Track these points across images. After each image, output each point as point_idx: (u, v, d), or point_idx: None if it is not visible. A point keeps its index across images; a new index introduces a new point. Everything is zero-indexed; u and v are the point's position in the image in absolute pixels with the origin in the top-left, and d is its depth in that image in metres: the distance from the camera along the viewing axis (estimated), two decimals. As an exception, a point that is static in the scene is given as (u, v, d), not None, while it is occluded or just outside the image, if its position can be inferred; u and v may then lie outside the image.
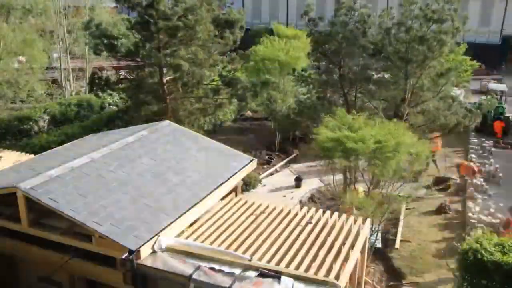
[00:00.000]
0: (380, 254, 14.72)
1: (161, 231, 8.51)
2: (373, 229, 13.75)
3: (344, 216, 10.35)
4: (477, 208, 17.29)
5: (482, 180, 18.84)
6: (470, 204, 17.72)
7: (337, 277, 7.86)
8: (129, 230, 8.23)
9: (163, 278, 8.15)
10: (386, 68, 18.60)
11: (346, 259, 8.70)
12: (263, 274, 7.76)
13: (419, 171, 14.24)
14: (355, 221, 10.12)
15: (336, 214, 10.41)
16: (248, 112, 28.59)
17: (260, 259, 8.40)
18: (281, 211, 10.60)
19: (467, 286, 10.10)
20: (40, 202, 8.36)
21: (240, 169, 11.36)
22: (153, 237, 8.31)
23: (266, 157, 22.62)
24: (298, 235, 9.49)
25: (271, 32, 26.44)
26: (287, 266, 8.26)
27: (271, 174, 21.21)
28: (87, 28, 17.76)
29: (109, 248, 8.14)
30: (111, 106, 25.40)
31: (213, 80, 19.06)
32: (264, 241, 9.16)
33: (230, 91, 18.83)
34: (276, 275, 7.68)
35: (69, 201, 8.47)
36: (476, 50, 28.79)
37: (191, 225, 9.88)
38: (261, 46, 23.34)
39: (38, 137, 20.33)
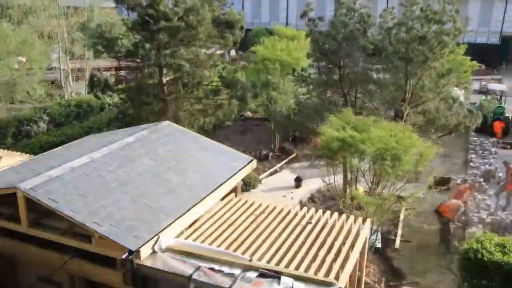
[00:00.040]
0: (380, 254, 14.72)
1: (161, 231, 8.51)
2: (373, 229, 13.76)
3: (344, 216, 10.35)
4: (477, 208, 17.29)
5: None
6: (470, 204, 17.71)
7: (337, 277, 7.86)
8: (129, 230, 8.23)
9: (163, 279, 8.14)
10: (386, 69, 18.61)
11: (346, 259, 8.70)
12: (263, 274, 7.76)
13: (420, 171, 14.24)
14: (355, 221, 10.11)
15: (336, 214, 10.41)
16: (248, 112, 28.60)
17: (260, 259, 8.40)
18: (281, 211, 10.60)
19: (467, 286, 10.10)
20: (40, 202, 8.36)
21: (240, 169, 11.36)
22: (153, 237, 8.30)
23: (264, 152, 22.75)
24: (298, 235, 9.49)
25: (271, 32, 26.48)
26: (287, 266, 8.26)
27: (271, 174, 21.24)
28: (86, 29, 17.78)
29: (109, 249, 8.14)
30: (111, 107, 25.42)
31: (213, 81, 19.07)
32: (264, 241, 9.16)
33: (230, 92, 18.84)
34: (276, 275, 7.68)
35: (69, 201, 8.46)
36: (476, 50, 28.79)
37: (191, 225, 9.88)
38: (261, 46, 23.36)
39: (38, 138, 20.34)
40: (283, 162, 22.51)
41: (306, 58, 22.49)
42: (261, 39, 24.48)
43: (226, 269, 7.89)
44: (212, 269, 7.94)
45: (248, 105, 23.73)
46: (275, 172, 21.55)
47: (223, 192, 10.64)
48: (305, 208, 10.72)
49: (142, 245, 8.03)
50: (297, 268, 8.23)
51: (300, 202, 17.97)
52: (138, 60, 17.66)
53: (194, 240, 9.13)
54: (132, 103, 18.38)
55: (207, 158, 11.37)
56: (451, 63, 19.34)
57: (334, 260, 8.56)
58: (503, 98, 28.78)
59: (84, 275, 8.84)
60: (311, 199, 18.66)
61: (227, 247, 8.84)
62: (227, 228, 9.71)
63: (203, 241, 9.06)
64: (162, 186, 9.78)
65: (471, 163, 21.75)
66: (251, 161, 11.91)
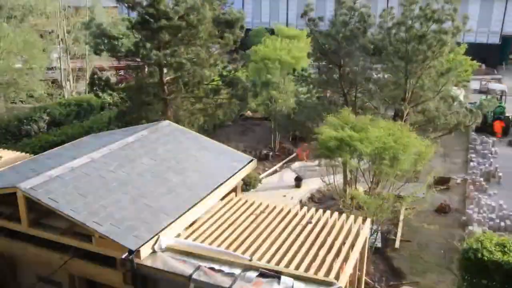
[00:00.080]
0: (380, 254, 14.73)
1: (161, 231, 8.51)
2: (373, 229, 13.76)
3: (344, 216, 10.35)
4: (477, 208, 17.30)
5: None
6: (470, 203, 17.73)
7: (337, 277, 7.86)
8: (129, 230, 8.24)
9: (163, 278, 8.14)
10: (386, 68, 18.60)
11: (346, 259, 8.70)
12: (263, 274, 7.76)
13: (419, 171, 14.26)
14: (355, 221, 10.11)
15: (336, 214, 10.41)
16: (248, 112, 28.61)
17: (260, 259, 8.40)
18: (281, 210, 10.60)
19: (467, 286, 10.10)
20: (40, 202, 8.36)
21: (240, 169, 11.36)
22: (153, 237, 8.31)
23: (265, 151, 22.78)
24: (298, 235, 9.49)
25: (271, 32, 26.47)
26: (287, 266, 8.26)
27: (271, 174, 21.24)
28: (88, 28, 17.77)
29: (109, 248, 8.14)
30: (111, 106, 25.41)
31: (213, 80, 19.07)
32: (264, 241, 9.16)
33: (231, 91, 18.84)
34: (276, 275, 7.68)
35: (69, 201, 8.47)
36: (476, 50, 28.78)
37: (191, 225, 9.88)
38: (262, 45, 23.36)
39: (38, 137, 20.34)
40: (283, 161, 22.51)
41: (306, 57, 22.48)
42: (261, 38, 24.48)
43: (226, 269, 7.89)
44: (212, 268, 7.94)
45: (248, 105, 23.79)
46: (275, 171, 21.55)
47: (223, 192, 10.64)
48: (305, 208, 10.72)
49: (142, 245, 8.04)
50: (297, 267, 8.24)
51: (300, 201, 17.98)
52: (139, 60, 17.65)
53: (194, 240, 9.13)
54: (132, 103, 18.37)
55: (207, 157, 11.37)
56: (450, 62, 19.34)
57: (334, 260, 8.56)
58: (503, 97, 28.80)
59: (84, 275, 8.85)
60: (311, 198, 18.68)
61: (227, 247, 8.84)
62: (227, 228, 9.71)
63: (203, 241, 9.06)
64: (162, 186, 9.78)
65: (471, 163, 21.75)
66: (251, 160, 11.91)
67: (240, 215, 10.34)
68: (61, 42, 28.43)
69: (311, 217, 10.24)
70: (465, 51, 24.05)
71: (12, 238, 9.39)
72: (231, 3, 18.41)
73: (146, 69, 18.44)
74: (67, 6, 29.23)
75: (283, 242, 9.18)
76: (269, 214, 10.38)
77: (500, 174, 20.13)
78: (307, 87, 24.70)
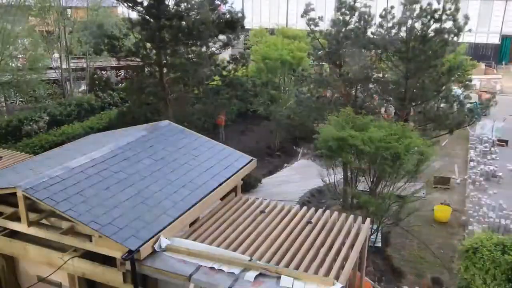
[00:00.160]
0: (380, 254, 14.72)
1: (161, 231, 8.51)
2: (373, 228, 13.76)
3: (344, 215, 10.34)
4: (477, 207, 17.30)
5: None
6: (469, 203, 17.74)
7: (337, 277, 7.86)
8: (129, 230, 8.24)
9: (163, 278, 8.15)
10: (386, 68, 18.60)
11: (346, 258, 8.70)
12: (263, 273, 7.77)
13: (421, 170, 14.24)
14: (355, 221, 10.10)
15: (336, 213, 10.40)
16: (248, 112, 28.63)
17: (260, 258, 8.39)
18: (281, 210, 10.59)
19: (467, 285, 10.10)
20: (40, 202, 8.36)
21: (240, 169, 11.37)
22: (153, 237, 8.31)
23: (265, 151, 22.87)
24: (298, 235, 9.48)
25: (271, 32, 26.48)
26: (287, 265, 8.26)
27: (271, 173, 21.25)
28: (88, 28, 17.77)
29: (109, 248, 8.14)
30: (111, 107, 25.42)
31: (213, 80, 19.08)
32: (264, 241, 9.16)
33: (231, 91, 18.84)
34: (276, 275, 7.68)
35: (69, 201, 8.47)
36: (476, 50, 28.80)
37: (191, 225, 9.88)
38: (262, 45, 23.38)
39: (38, 137, 20.34)
40: (283, 161, 22.54)
41: (307, 57, 22.50)
42: (262, 38, 24.50)
43: (226, 269, 7.90)
44: (212, 268, 7.95)
45: (248, 104, 23.81)
46: (276, 171, 21.56)
47: (223, 192, 10.64)
48: (305, 208, 10.72)
49: (142, 245, 8.03)
50: (297, 267, 8.23)
51: (300, 201, 17.97)
52: (139, 60, 17.66)
53: (194, 239, 9.13)
54: (133, 103, 18.38)
55: (207, 157, 11.36)
56: (451, 62, 19.34)
57: (334, 259, 8.55)
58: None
59: (84, 275, 8.84)
60: (311, 198, 18.66)
61: (227, 247, 8.84)
62: (227, 228, 9.71)
63: (203, 241, 9.05)
64: (162, 185, 9.78)
65: (471, 163, 21.75)
66: (251, 160, 11.91)
67: (240, 215, 10.33)
68: (61, 42, 28.41)
69: (311, 217, 10.23)
70: (465, 51, 24.08)
71: (12, 238, 9.39)
72: (232, 3, 18.39)
73: (147, 69, 18.43)
74: (68, 5, 29.26)
75: (283, 241, 9.17)
76: (268, 214, 10.38)
77: (500, 174, 20.14)
78: (308, 86, 24.71)
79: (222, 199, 10.95)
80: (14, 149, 17.43)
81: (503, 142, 24.19)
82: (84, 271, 8.75)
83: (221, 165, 11.24)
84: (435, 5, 16.37)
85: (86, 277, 8.94)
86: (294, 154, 23.98)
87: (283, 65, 22.63)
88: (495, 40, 46.09)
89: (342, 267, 8.33)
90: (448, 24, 16.48)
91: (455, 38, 16.57)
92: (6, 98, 26.43)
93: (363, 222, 10.12)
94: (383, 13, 17.44)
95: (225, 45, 18.18)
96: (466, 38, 30.39)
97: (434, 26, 16.43)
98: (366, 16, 17.71)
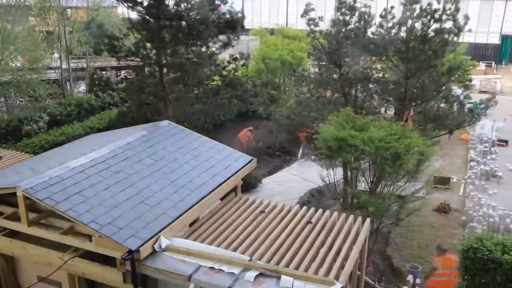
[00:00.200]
0: (380, 254, 14.72)
1: (161, 231, 8.52)
2: (373, 228, 13.75)
3: (344, 215, 10.35)
4: (477, 207, 17.29)
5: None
6: (469, 203, 17.73)
7: (337, 277, 7.86)
8: (129, 230, 8.24)
9: (163, 278, 8.15)
10: (386, 68, 18.59)
11: (346, 258, 8.70)
12: (263, 273, 7.77)
13: (422, 170, 14.22)
14: (355, 221, 10.11)
15: (336, 213, 10.40)
16: (248, 112, 28.61)
17: (260, 258, 8.40)
18: (281, 210, 10.60)
19: (467, 286, 10.09)
20: (40, 202, 8.37)
21: (240, 169, 11.37)
22: (153, 237, 8.32)
23: (265, 151, 22.91)
24: (298, 235, 9.49)
25: (271, 32, 26.49)
26: (287, 265, 8.26)
27: (271, 173, 21.24)
28: (88, 28, 17.77)
29: (109, 248, 8.14)
30: (111, 107, 25.42)
31: (213, 80, 19.08)
32: (264, 241, 9.16)
33: (231, 91, 18.83)
34: (276, 275, 7.69)
35: (69, 201, 8.48)
36: (476, 50, 28.81)
37: (191, 225, 9.89)
38: (263, 45, 23.38)
39: (38, 137, 20.33)
40: (283, 161, 22.52)
41: (307, 57, 22.49)
42: (262, 38, 24.50)
43: (226, 269, 7.90)
44: (212, 268, 7.95)
45: (248, 105, 23.80)
46: (276, 171, 21.55)
47: (223, 192, 10.65)
48: (305, 207, 10.72)
49: (142, 245, 8.04)
50: (297, 267, 8.24)
51: (300, 201, 17.97)
52: (139, 60, 17.65)
53: (194, 239, 9.14)
54: (133, 103, 18.37)
55: (207, 157, 11.37)
56: (451, 62, 19.34)
57: (334, 259, 8.56)
58: None
59: (84, 275, 8.84)
60: (311, 198, 18.65)
61: (227, 247, 8.84)
62: (227, 228, 9.71)
63: (203, 241, 9.06)
64: (162, 185, 9.79)
65: (471, 162, 21.75)
66: (251, 160, 11.92)
67: (240, 215, 10.34)
68: (61, 42, 28.41)
69: (311, 217, 10.24)
70: (465, 51, 24.08)
71: (12, 238, 9.40)
72: (232, 3, 18.39)
73: (146, 69, 18.43)
74: (68, 5, 29.26)
75: (283, 241, 9.18)
76: (268, 213, 10.38)
77: (500, 173, 20.14)
78: (307, 87, 24.71)
79: (222, 199, 10.96)
80: (14, 149, 17.42)
81: (503, 142, 24.21)
82: (84, 271, 8.75)
83: (221, 165, 11.25)
84: (435, 5, 16.35)
85: (86, 277, 8.94)
86: (294, 154, 23.96)
87: (283, 65, 22.62)
88: (495, 40, 46.10)
89: (342, 267, 8.33)
90: (448, 24, 16.47)
91: (455, 38, 16.57)
92: (6, 98, 26.41)
93: (363, 222, 10.13)
94: (383, 13, 17.43)
95: (225, 45, 18.17)
96: (466, 38, 30.42)
97: (434, 26, 16.42)
98: (366, 16, 17.68)
